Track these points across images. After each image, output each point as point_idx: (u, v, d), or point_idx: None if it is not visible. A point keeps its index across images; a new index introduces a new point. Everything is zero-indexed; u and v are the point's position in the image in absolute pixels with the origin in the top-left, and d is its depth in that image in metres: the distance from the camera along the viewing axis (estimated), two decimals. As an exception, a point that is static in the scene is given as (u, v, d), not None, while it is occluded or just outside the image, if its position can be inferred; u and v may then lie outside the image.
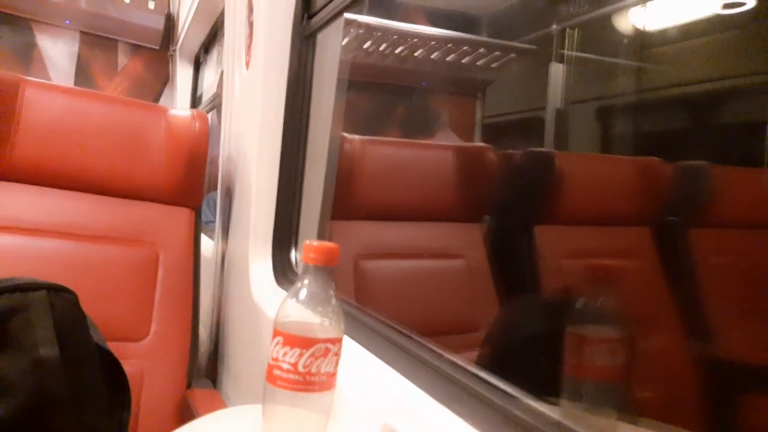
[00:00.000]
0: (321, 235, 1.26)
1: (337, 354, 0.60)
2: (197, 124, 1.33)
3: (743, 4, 0.68)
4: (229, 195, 1.51)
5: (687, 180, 0.83)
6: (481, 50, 1.35)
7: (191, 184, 1.34)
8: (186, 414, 1.15)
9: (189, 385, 1.24)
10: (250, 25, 1.34)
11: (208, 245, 1.63)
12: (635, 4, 0.84)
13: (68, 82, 3.13)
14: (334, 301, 0.61)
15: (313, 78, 1.25)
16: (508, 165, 1.20)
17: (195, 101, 3.25)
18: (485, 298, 1.15)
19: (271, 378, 0.59)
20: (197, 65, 3.23)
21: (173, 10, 3.27)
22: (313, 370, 0.58)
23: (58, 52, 3.13)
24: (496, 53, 1.32)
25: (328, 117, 1.25)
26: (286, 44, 1.24)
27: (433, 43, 1.50)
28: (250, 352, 1.23)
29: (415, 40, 1.55)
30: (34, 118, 1.24)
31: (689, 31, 0.73)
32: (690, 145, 0.78)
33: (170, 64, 3.40)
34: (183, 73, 3.28)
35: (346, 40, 1.26)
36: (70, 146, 1.26)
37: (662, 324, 0.79)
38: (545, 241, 1.02)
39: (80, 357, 0.79)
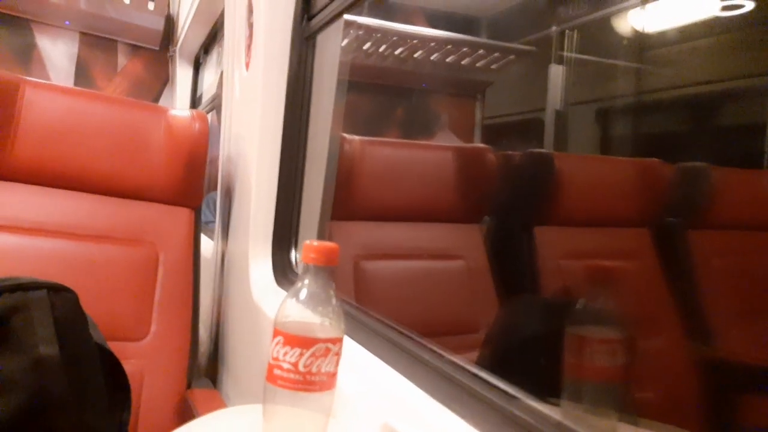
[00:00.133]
0: (321, 236, 1.26)
1: (338, 354, 0.60)
2: (197, 125, 1.33)
3: (741, 6, 0.68)
4: (228, 195, 1.51)
5: (686, 181, 0.83)
6: (481, 52, 1.35)
7: (191, 184, 1.34)
8: (186, 414, 1.14)
9: (189, 385, 1.23)
10: (250, 26, 1.34)
11: (208, 245, 1.63)
12: (634, 6, 0.84)
13: (68, 82, 3.13)
14: (334, 301, 0.61)
15: (313, 79, 1.25)
16: (507, 166, 1.20)
17: (195, 102, 3.25)
18: (485, 298, 1.15)
19: (271, 378, 0.59)
20: (197, 66, 3.23)
21: (173, 10, 3.27)
22: (314, 369, 0.58)
23: (57, 53, 3.13)
24: (496, 55, 1.33)
25: (327, 118, 1.25)
26: (285, 45, 1.24)
27: (432, 44, 1.50)
28: (250, 351, 1.23)
29: (415, 41, 1.55)
30: (34, 119, 1.24)
31: (688, 33, 0.74)
32: (689, 146, 0.78)
33: (170, 65, 3.40)
34: (183, 73, 3.28)
35: (345, 42, 1.26)
36: (70, 146, 1.26)
37: (662, 325, 0.79)
38: (545, 242, 1.02)
39: (80, 356, 0.79)
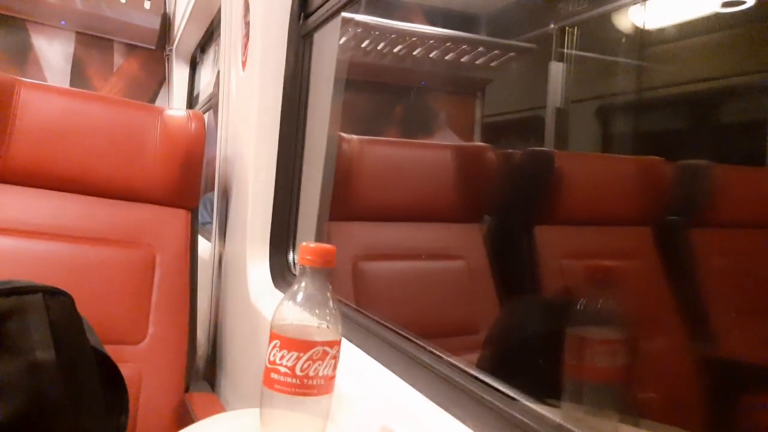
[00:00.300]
0: (319, 237, 1.25)
1: (335, 357, 0.60)
2: (193, 125, 1.33)
3: (743, 2, 0.67)
4: (225, 196, 1.50)
5: (688, 179, 0.83)
6: (480, 49, 1.34)
7: (188, 185, 1.33)
8: (184, 418, 1.14)
9: (187, 389, 1.23)
10: (247, 24, 1.33)
11: (205, 247, 1.62)
12: (635, 3, 0.84)
13: (64, 82, 3.12)
14: (331, 303, 0.61)
15: (310, 78, 1.25)
16: (507, 164, 1.19)
17: (191, 101, 3.23)
18: (485, 299, 1.15)
19: (268, 382, 0.58)
20: (193, 65, 3.21)
21: (169, 9, 3.25)
22: (311, 373, 0.58)
23: (53, 53, 3.12)
24: (496, 52, 1.32)
25: (325, 117, 1.24)
26: (282, 44, 1.23)
27: (431, 42, 1.50)
28: (248, 354, 1.22)
29: (414, 39, 1.55)
30: (30, 120, 1.23)
31: (689, 30, 0.73)
32: (691, 144, 0.78)
33: (166, 64, 3.39)
34: (179, 73, 3.27)
35: (343, 40, 1.26)
36: (65, 148, 1.25)
37: (663, 325, 0.78)
38: (546, 242, 1.01)
39: (77, 360, 0.78)
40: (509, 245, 1.11)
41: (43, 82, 2.91)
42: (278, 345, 0.58)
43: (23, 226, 1.19)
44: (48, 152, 1.24)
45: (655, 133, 0.83)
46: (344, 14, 1.18)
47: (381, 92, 1.74)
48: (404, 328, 0.85)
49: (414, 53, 1.55)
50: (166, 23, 3.26)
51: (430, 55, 1.50)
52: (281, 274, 1.23)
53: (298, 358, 0.57)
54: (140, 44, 3.31)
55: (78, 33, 3.17)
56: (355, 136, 1.31)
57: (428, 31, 1.52)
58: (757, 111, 0.65)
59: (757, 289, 0.64)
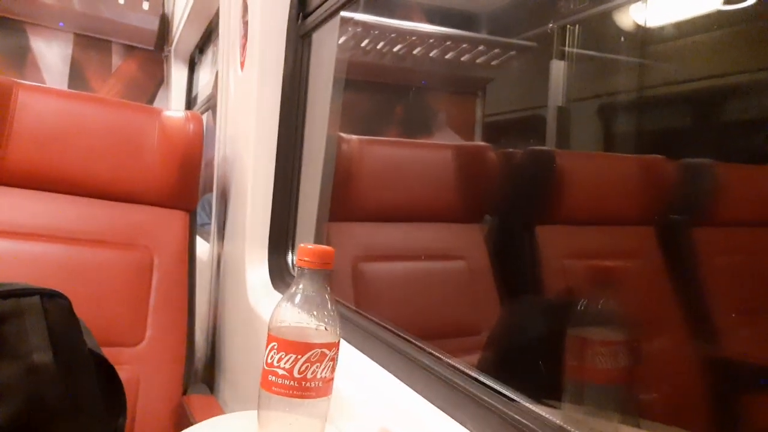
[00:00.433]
0: (318, 238, 1.25)
1: (334, 359, 0.60)
2: (192, 126, 1.32)
3: (745, -1, 0.67)
4: (224, 197, 1.50)
5: (691, 178, 0.82)
6: (481, 48, 1.34)
7: (186, 186, 1.33)
8: (182, 420, 1.14)
9: (185, 391, 1.23)
10: (245, 24, 1.33)
11: (203, 248, 1.62)
12: (637, 0, 0.83)
13: (62, 84, 3.12)
14: (330, 305, 0.60)
15: (309, 78, 1.24)
16: (508, 164, 1.19)
17: (190, 102, 3.23)
18: (486, 299, 1.14)
19: (266, 384, 0.58)
20: (192, 66, 3.21)
21: (168, 10, 3.25)
22: (309, 375, 0.58)
23: (52, 55, 3.12)
24: (496, 51, 1.31)
25: (324, 117, 1.24)
26: (281, 44, 1.23)
27: (431, 41, 1.49)
28: (246, 356, 1.21)
29: (413, 38, 1.54)
30: (28, 122, 1.23)
31: (692, 27, 0.72)
32: (694, 142, 0.77)
33: (165, 65, 3.39)
34: (177, 74, 3.27)
35: (342, 39, 1.25)
36: (63, 149, 1.25)
37: (666, 325, 0.78)
38: (547, 242, 1.00)
39: (74, 363, 0.78)
40: (510, 245, 1.10)
41: (41, 84, 2.91)
42: (276, 347, 0.58)
43: (21, 228, 1.18)
44: (46, 154, 1.24)
45: (658, 131, 0.82)
46: (343, 14, 1.18)
47: (380, 92, 1.74)
48: (404, 329, 0.85)
49: (414, 52, 1.55)
50: (165, 24, 3.26)
51: (430, 55, 1.50)
52: (280, 275, 1.22)
53: (296, 360, 0.57)
54: (138, 45, 3.31)
55: (76, 34, 3.17)
56: (354, 136, 1.31)
57: (428, 30, 1.52)
58: (762, 109, 0.65)
59: (763, 288, 0.64)
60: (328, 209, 1.24)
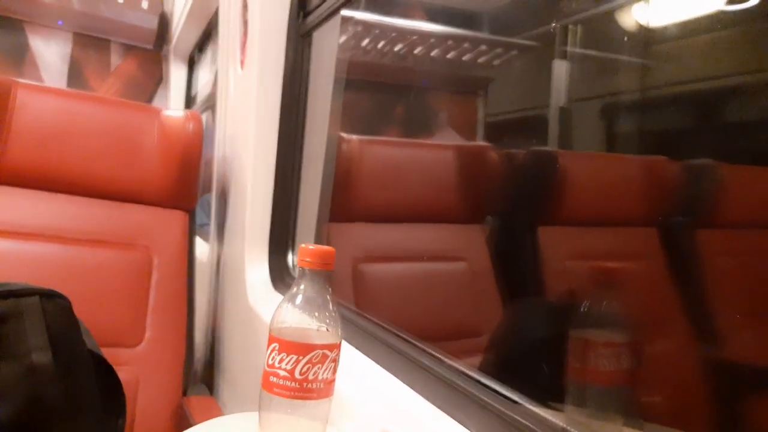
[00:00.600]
0: (319, 238, 1.24)
1: (335, 360, 0.59)
2: (191, 125, 1.32)
3: (748, -1, 0.67)
4: (224, 197, 1.49)
5: (695, 179, 0.82)
6: (482, 47, 1.33)
7: (185, 186, 1.32)
8: (182, 422, 1.13)
9: (185, 392, 1.22)
10: (245, 23, 1.32)
11: (203, 248, 1.62)
12: (639, 0, 0.83)
13: (61, 83, 3.12)
14: (331, 305, 0.60)
15: (310, 77, 1.24)
16: (510, 164, 1.18)
17: (189, 102, 3.22)
18: (488, 301, 1.14)
19: (267, 385, 0.58)
20: (191, 65, 3.20)
21: (167, 9, 3.24)
22: (311, 377, 0.58)
23: (50, 54, 3.11)
24: (498, 50, 1.31)
25: (325, 117, 1.23)
26: (281, 43, 1.22)
27: (432, 40, 1.49)
28: (246, 357, 1.21)
29: (415, 37, 1.54)
30: (27, 121, 1.23)
31: (695, 27, 0.72)
32: (697, 143, 0.77)
33: (164, 64, 3.38)
34: (177, 73, 3.26)
35: (343, 38, 1.25)
36: (62, 149, 1.24)
37: (669, 327, 0.77)
38: (549, 243, 1.00)
39: (74, 364, 0.78)
40: (512, 246, 1.10)
41: (40, 83, 2.91)
42: (277, 348, 0.58)
43: (20, 228, 1.18)
44: (45, 153, 1.23)
45: (661, 132, 0.82)
46: (344, 12, 1.18)
47: (381, 91, 1.73)
48: (405, 330, 0.84)
49: (415, 52, 1.54)
50: (164, 23, 3.25)
51: (431, 54, 1.49)
52: (280, 276, 1.22)
53: (298, 362, 0.57)
54: (138, 44, 3.30)
55: (75, 33, 3.16)
56: (355, 136, 1.30)
57: (429, 29, 1.51)
58: (766, 110, 0.64)
59: (767, 290, 0.64)
60: (328, 209, 1.24)
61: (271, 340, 0.58)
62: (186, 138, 1.31)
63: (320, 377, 0.58)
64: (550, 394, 0.64)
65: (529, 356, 0.79)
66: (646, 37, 0.79)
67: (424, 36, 1.50)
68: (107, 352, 0.86)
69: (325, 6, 1.12)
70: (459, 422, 0.64)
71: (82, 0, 2.95)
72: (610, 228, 0.91)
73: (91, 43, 3.20)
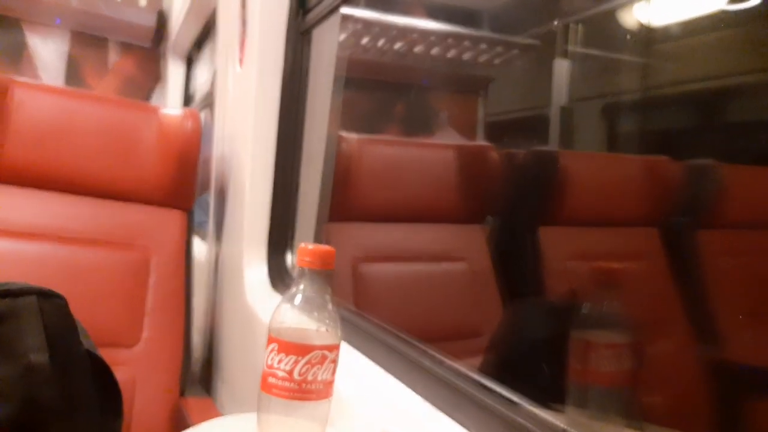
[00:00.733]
0: (318, 238, 1.24)
1: (335, 361, 0.59)
2: (189, 124, 1.31)
3: (749, -1, 0.66)
4: (222, 196, 1.48)
5: (696, 179, 0.82)
6: (483, 46, 1.33)
7: (183, 185, 1.32)
8: (179, 423, 1.13)
9: (182, 393, 1.22)
10: (244, 21, 1.32)
11: (201, 248, 1.61)
12: (639, -1, 0.83)
13: (58, 81, 3.10)
14: (330, 306, 0.60)
15: (309, 75, 1.23)
16: (511, 164, 1.18)
17: (187, 100, 3.22)
18: (488, 301, 1.13)
19: (265, 386, 0.58)
20: (190, 63, 3.20)
21: (165, 6, 3.23)
22: (310, 377, 0.57)
23: (48, 52, 3.10)
24: (498, 49, 1.31)
25: (324, 116, 1.23)
26: (280, 41, 1.22)
27: (432, 38, 1.48)
28: (245, 358, 1.20)
29: (415, 35, 1.53)
30: (24, 120, 1.22)
31: (695, 27, 0.72)
32: (699, 143, 0.77)
33: (162, 62, 3.37)
34: (175, 71, 3.25)
35: (343, 36, 1.24)
36: (60, 147, 1.24)
37: (670, 328, 0.77)
38: (550, 243, 1.00)
39: (71, 364, 0.77)
40: (513, 247, 1.10)
41: (38, 82, 2.89)
42: (276, 348, 0.57)
43: (17, 227, 1.18)
44: (42, 152, 1.23)
45: (662, 132, 0.82)
46: (343, 10, 1.17)
47: (381, 90, 1.73)
48: (405, 331, 0.84)
49: (415, 50, 1.54)
50: (162, 20, 3.24)
51: (432, 52, 1.49)
52: (279, 276, 1.21)
53: (297, 362, 0.57)
54: (136, 42, 3.29)
55: (73, 32, 3.15)
56: (354, 135, 1.30)
57: (429, 28, 1.51)
58: (766, 110, 0.64)
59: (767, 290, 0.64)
60: (328, 209, 1.24)
61: (270, 340, 0.58)
62: (184, 136, 1.31)
63: (319, 378, 0.57)
64: (550, 395, 0.63)
65: (529, 357, 0.79)
66: (648, 36, 0.79)
67: (424, 34, 1.50)
68: (104, 352, 0.86)
69: (324, 4, 1.12)
70: (459, 423, 0.63)
71: (80, -3, 2.94)
72: (611, 228, 0.91)
73: (88, 41, 3.19)
